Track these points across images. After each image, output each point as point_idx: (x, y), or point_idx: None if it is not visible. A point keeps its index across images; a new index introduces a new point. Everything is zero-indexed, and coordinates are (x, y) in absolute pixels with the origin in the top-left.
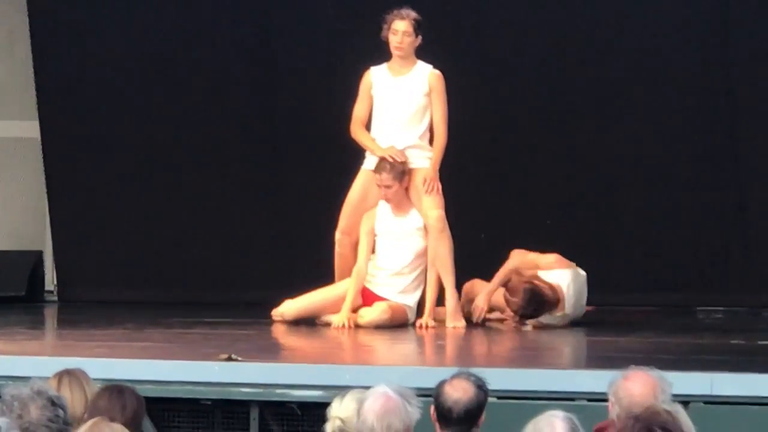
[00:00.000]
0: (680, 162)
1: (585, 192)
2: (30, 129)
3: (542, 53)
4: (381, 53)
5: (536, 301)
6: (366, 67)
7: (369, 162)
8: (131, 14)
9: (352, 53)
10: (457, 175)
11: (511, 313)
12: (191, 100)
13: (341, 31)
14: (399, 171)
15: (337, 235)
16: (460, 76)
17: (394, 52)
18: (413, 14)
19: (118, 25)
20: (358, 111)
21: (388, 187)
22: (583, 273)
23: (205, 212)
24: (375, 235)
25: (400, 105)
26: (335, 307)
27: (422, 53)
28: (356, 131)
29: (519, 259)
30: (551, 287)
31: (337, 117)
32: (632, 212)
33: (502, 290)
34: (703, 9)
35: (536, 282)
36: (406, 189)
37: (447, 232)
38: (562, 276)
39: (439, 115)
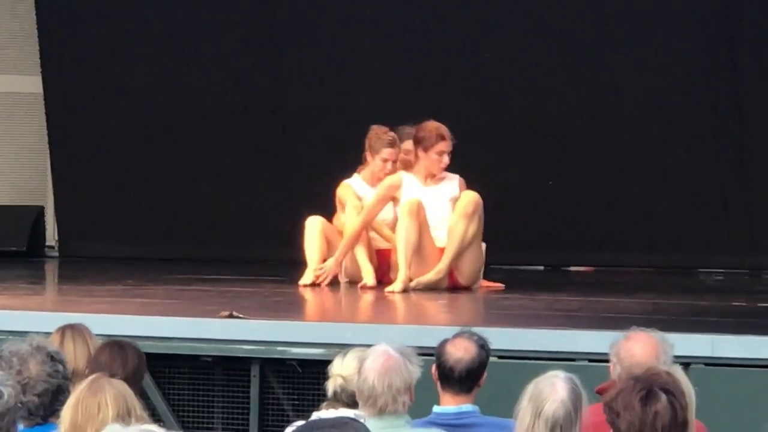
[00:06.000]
0: (681, 121)
1: (586, 152)
2: (33, 84)
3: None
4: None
5: None
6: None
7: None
8: None
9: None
10: (461, 135)
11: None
12: (196, 53)
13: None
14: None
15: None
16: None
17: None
18: (398, 143)
19: None
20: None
21: (394, 162)
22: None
23: (208, 168)
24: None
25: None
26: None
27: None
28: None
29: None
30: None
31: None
32: (632, 173)
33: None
34: None
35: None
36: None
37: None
38: None
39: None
